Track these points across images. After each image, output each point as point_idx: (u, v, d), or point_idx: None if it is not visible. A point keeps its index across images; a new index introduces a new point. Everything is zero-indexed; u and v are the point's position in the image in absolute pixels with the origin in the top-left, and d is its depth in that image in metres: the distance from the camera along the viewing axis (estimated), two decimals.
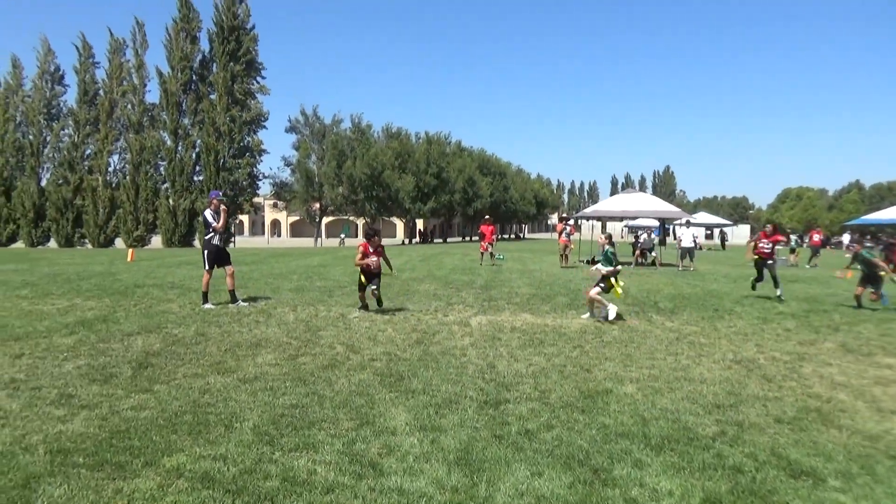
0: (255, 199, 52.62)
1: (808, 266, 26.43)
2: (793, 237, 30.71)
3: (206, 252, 10.40)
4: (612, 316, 9.63)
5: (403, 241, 63.54)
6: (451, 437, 4.42)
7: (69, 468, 3.76)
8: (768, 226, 13.84)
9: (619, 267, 10.18)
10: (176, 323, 8.81)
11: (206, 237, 10.52)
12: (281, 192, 55.27)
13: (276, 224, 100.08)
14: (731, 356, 7.40)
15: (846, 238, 45.95)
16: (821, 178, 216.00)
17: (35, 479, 3.59)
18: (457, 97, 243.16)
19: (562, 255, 22.22)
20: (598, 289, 9.94)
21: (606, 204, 27.34)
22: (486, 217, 23.99)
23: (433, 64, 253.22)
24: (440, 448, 4.20)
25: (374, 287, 9.87)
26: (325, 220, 60.85)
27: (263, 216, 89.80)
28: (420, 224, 72.74)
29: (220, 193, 11.08)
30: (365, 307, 10.15)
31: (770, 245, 13.45)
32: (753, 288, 13.74)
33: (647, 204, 25.04)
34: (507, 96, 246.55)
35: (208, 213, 10.42)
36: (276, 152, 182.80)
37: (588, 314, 10.13)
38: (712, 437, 4.52)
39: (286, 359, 6.77)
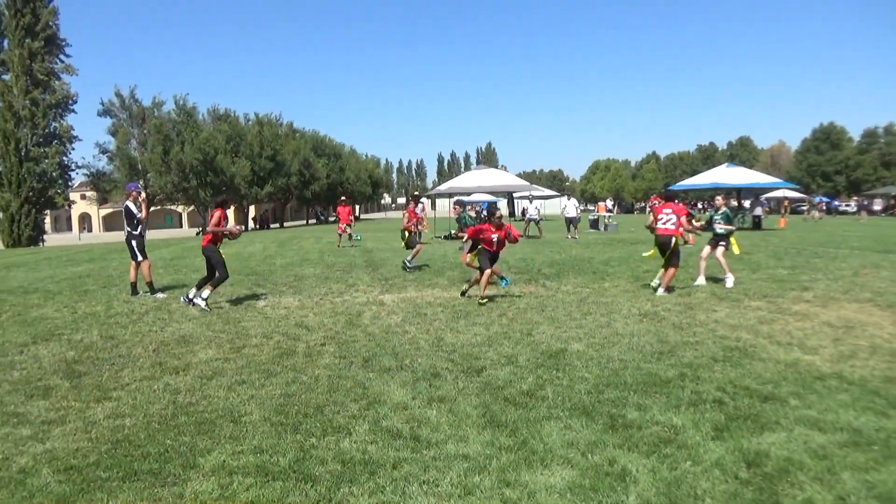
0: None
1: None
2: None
3: (134, 243, 10.57)
4: (729, 284, 10.30)
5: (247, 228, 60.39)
6: (465, 404, 4.70)
7: (95, 483, 3.49)
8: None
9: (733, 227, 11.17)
10: (69, 328, 7.95)
11: (131, 229, 10.64)
12: (99, 182, 49.71)
13: (85, 218, 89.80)
14: (636, 311, 8.40)
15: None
16: (624, 151, 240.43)
17: (71, 500, 3.30)
18: (286, 79, 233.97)
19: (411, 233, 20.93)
20: (721, 248, 10.74)
21: (462, 180, 28.27)
22: (343, 199, 23.87)
23: (261, 45, 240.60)
24: (464, 415, 4.47)
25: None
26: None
27: (69, 211, 79.90)
28: (252, 210, 69.59)
29: (140, 185, 11.68)
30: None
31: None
32: None
33: (499, 179, 26.47)
34: (338, 78, 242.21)
35: (131, 205, 10.61)
36: (91, 139, 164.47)
37: (701, 279, 10.65)
38: (679, 378, 5.25)
39: (231, 352, 6.52)
